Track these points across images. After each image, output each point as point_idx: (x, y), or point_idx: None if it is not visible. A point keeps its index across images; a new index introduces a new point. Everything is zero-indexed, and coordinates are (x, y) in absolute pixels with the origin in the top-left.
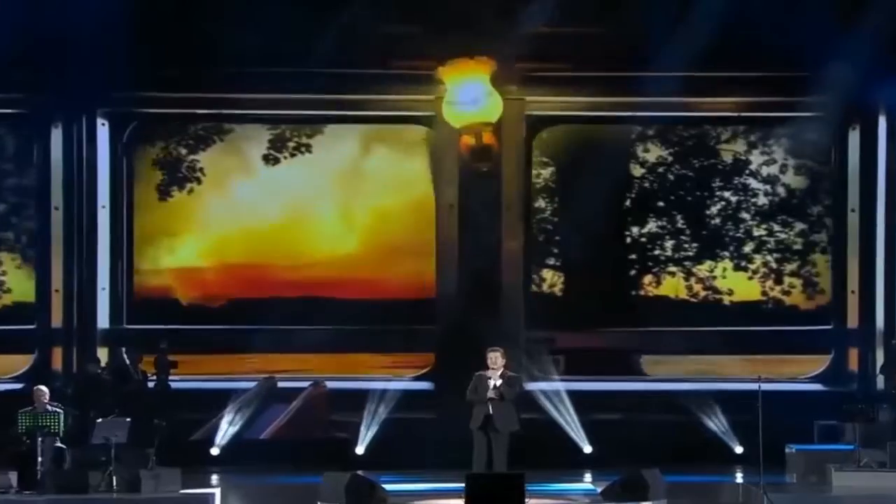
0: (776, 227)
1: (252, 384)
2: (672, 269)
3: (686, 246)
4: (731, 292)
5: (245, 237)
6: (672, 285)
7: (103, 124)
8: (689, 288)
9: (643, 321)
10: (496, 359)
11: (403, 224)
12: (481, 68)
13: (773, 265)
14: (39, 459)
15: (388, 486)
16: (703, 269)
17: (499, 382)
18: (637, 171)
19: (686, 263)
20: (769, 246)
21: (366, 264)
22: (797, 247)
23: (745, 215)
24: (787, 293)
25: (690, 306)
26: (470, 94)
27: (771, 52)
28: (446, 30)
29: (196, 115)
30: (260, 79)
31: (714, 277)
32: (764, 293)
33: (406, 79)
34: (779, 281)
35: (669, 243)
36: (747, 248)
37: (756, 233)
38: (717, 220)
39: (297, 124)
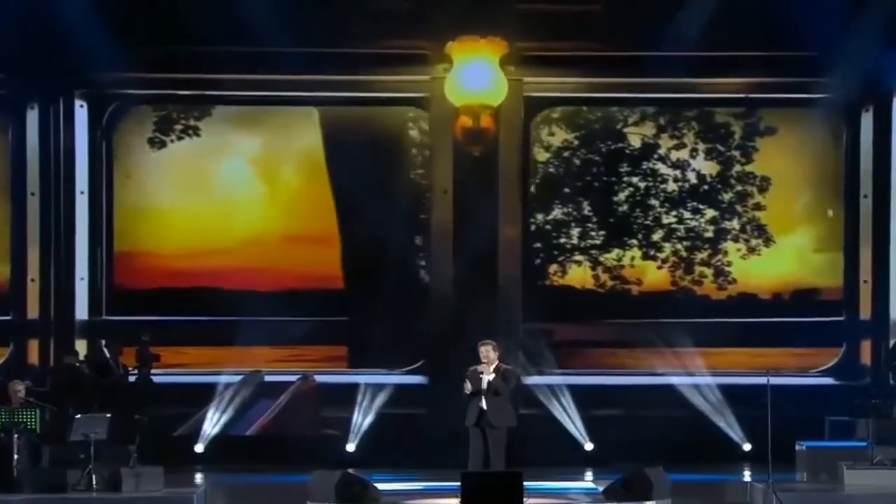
0: (686, 215)
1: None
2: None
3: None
4: (639, 282)
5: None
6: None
7: (81, 106)
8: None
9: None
10: (488, 352)
11: (301, 213)
12: (491, 49)
13: (683, 253)
14: (15, 457)
15: (380, 485)
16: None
17: (492, 377)
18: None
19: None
20: (679, 234)
21: (263, 252)
22: (708, 234)
23: (653, 202)
24: (698, 283)
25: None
26: (476, 74)
27: (780, 32)
28: (443, 8)
29: (180, 97)
30: (248, 59)
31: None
32: (674, 283)
33: (400, 59)
34: (689, 270)
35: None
36: (656, 237)
37: (665, 220)
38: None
39: (285, 106)
